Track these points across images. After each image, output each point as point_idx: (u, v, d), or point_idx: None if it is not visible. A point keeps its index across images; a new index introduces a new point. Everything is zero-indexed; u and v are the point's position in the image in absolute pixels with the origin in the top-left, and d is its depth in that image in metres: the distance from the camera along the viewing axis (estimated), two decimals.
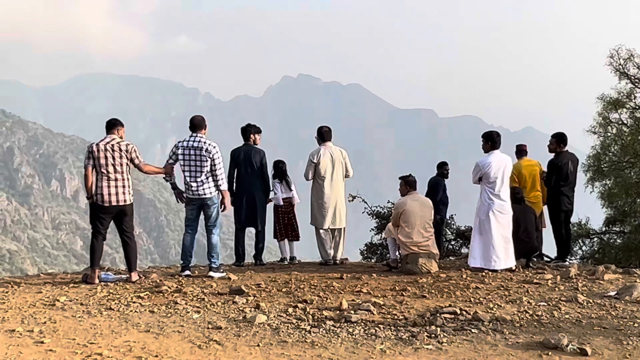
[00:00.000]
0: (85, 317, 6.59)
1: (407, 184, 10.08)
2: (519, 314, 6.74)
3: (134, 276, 8.92)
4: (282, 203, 11.46)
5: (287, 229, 11.53)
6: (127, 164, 8.83)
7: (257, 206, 10.71)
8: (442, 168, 13.35)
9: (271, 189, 11.20)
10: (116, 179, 8.72)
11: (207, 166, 9.25)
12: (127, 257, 9.04)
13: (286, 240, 11.60)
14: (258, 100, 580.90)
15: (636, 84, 18.12)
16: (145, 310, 6.95)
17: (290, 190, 11.55)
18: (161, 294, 7.77)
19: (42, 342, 5.51)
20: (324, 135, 11.01)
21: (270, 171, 11.28)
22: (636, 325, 6.32)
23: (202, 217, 9.63)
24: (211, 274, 9.33)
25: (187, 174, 9.30)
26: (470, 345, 5.64)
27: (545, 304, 7.22)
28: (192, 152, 9.23)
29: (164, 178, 9.62)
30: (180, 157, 9.27)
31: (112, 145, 8.75)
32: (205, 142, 9.25)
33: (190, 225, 9.65)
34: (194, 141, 9.26)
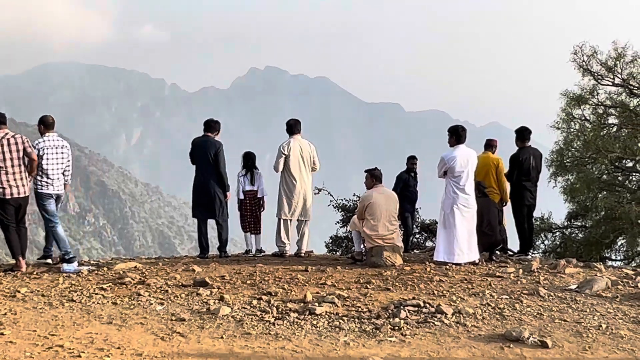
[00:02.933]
0: (46, 308, 6.52)
1: (373, 177, 10.10)
2: (481, 307, 6.81)
3: (23, 264, 9.01)
4: (242, 196, 11.41)
5: (250, 222, 11.49)
6: (23, 157, 8.96)
7: (213, 198, 10.65)
8: (409, 162, 13.40)
9: (232, 181, 11.17)
10: (14, 172, 8.88)
11: (64, 164, 9.63)
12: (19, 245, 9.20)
13: (250, 232, 11.56)
14: (225, 92, 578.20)
15: (599, 81, 18.36)
16: (108, 302, 6.89)
17: (252, 184, 11.48)
18: (124, 286, 7.70)
19: (2, 334, 5.44)
20: (292, 127, 11.02)
21: (240, 162, 11.36)
22: (596, 318, 6.43)
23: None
24: (67, 267, 9.18)
25: (51, 171, 9.42)
26: (433, 337, 5.69)
27: (508, 297, 7.31)
28: (57, 150, 9.52)
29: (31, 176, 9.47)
30: (45, 155, 9.32)
31: (8, 139, 8.85)
32: (63, 141, 9.71)
33: (56, 216, 9.69)
34: (57, 140, 9.60)
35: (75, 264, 9.35)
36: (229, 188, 10.94)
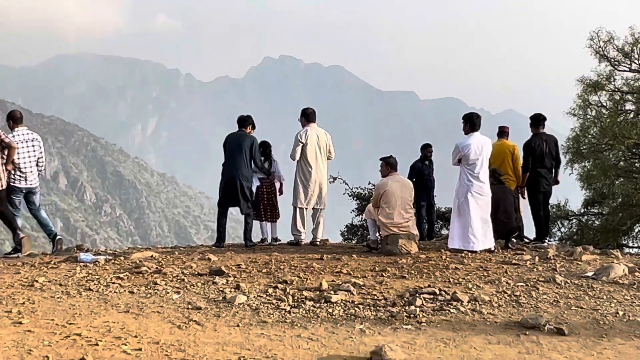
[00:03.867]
0: (64, 297, 6.55)
1: (388, 165, 10.07)
2: (497, 294, 6.79)
3: (21, 234, 9.39)
4: (258, 183, 11.49)
5: (266, 210, 11.54)
6: (2, 150, 9.17)
7: (240, 188, 10.67)
8: (424, 150, 13.36)
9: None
10: None
11: (37, 156, 9.92)
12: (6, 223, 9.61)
13: (266, 220, 11.62)
14: (239, 81, 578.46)
15: (615, 67, 18.23)
16: (125, 290, 6.92)
17: (268, 173, 11.55)
18: (141, 275, 7.73)
19: (21, 323, 5.47)
20: (309, 116, 11.05)
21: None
22: (612, 305, 6.39)
23: None
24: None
25: (23, 165, 9.71)
26: (449, 325, 5.68)
27: (524, 285, 7.28)
28: (27, 144, 9.80)
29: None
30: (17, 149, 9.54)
31: None
32: (33, 133, 9.99)
33: (18, 209, 9.99)
34: (27, 134, 9.87)
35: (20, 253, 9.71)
36: (272, 174, 11.63)
